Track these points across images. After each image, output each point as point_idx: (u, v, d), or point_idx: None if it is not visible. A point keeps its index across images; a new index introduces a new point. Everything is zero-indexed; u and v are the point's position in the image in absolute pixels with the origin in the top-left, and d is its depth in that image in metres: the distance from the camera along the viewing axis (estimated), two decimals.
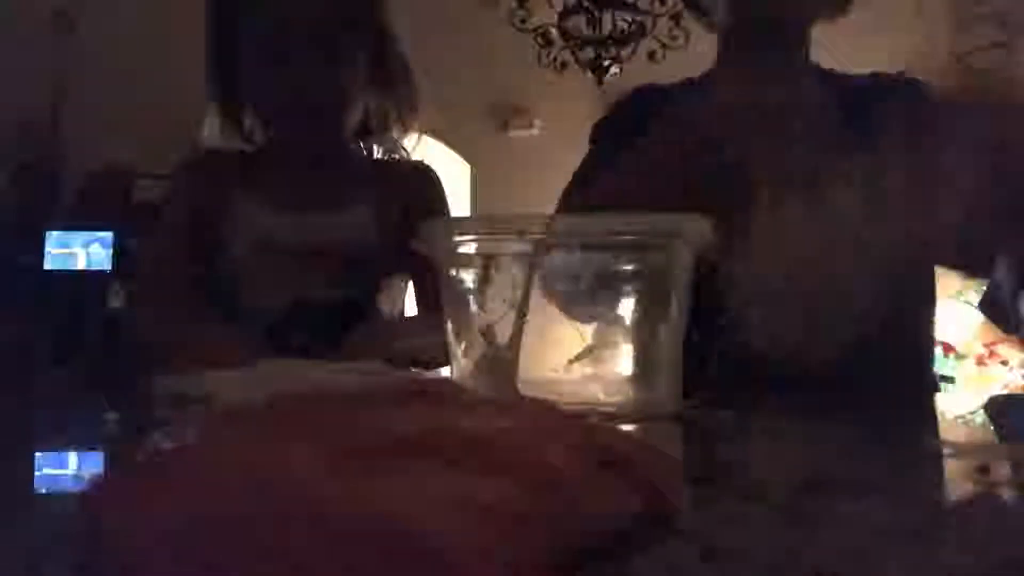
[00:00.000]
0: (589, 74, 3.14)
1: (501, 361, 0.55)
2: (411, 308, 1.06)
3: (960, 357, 3.50)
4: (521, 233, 0.56)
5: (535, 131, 3.94)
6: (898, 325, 0.83)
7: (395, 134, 1.02)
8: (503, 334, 0.55)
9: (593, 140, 0.98)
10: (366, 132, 1.01)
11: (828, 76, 0.91)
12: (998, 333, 3.51)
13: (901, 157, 0.82)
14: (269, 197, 0.96)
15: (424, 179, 1.03)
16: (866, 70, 0.93)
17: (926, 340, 0.89)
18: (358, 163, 1.03)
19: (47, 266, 3.28)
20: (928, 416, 0.69)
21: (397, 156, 1.04)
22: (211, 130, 1.00)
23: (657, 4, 2.99)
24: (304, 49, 0.89)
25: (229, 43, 0.93)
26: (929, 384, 0.88)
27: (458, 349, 0.61)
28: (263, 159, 0.99)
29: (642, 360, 0.60)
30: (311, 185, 0.96)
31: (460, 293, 0.61)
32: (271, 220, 0.94)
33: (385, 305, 0.99)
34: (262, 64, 0.90)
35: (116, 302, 3.04)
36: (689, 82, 0.97)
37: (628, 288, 0.60)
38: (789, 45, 0.89)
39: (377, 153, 1.04)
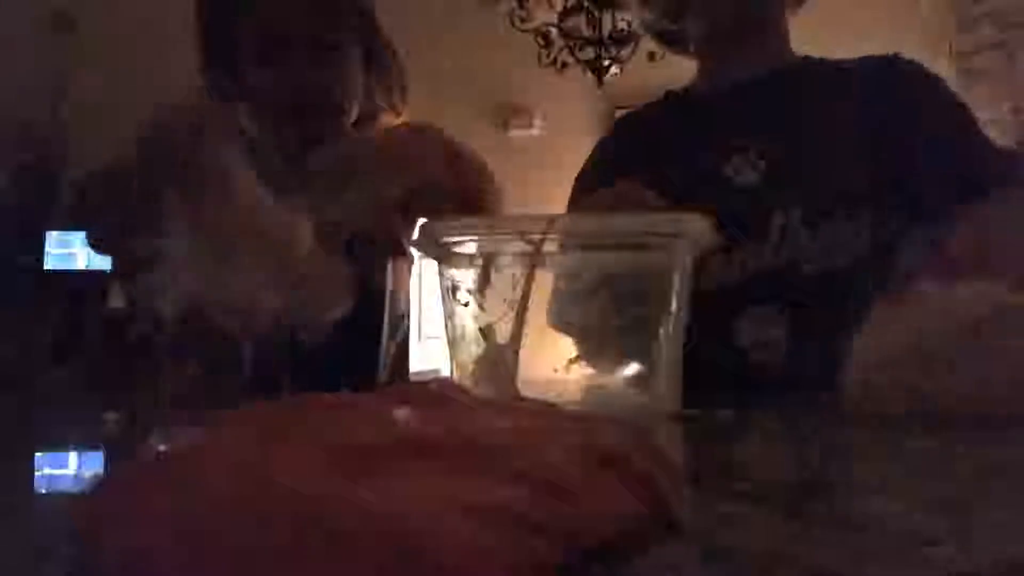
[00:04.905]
0: (589, 74, 3.14)
1: (501, 361, 0.55)
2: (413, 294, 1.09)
3: None
4: (521, 233, 0.56)
5: (535, 131, 3.94)
6: None
7: (388, 121, 1.04)
8: (503, 334, 0.55)
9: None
10: (361, 122, 1.03)
11: (811, 64, 0.91)
12: None
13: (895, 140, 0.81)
14: (271, 179, 0.98)
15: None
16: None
17: None
18: (355, 153, 1.05)
19: (47, 266, 3.29)
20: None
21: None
22: None
23: None
24: (301, 51, 0.91)
25: (223, 48, 0.95)
26: None
27: (458, 349, 0.61)
28: (265, 152, 1.01)
29: (642, 360, 0.60)
30: (313, 171, 0.98)
31: (460, 293, 0.61)
32: (274, 199, 0.96)
33: (391, 281, 1.00)
34: (261, 68, 0.93)
35: (116, 302, 3.04)
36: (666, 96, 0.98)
37: (628, 288, 0.60)
38: (765, 42, 0.89)
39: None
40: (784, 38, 0.92)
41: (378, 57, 1.00)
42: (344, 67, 0.95)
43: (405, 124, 1.06)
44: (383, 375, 1.00)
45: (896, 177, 0.79)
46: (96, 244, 0.81)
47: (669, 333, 0.59)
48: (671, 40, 0.98)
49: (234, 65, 0.95)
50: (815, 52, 0.92)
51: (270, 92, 0.93)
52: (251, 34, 0.92)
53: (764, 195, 0.82)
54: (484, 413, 0.33)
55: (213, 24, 0.96)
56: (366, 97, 1.01)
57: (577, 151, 1.01)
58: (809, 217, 0.80)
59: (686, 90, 0.97)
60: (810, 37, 0.99)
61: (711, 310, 0.76)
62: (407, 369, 1.10)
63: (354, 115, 0.99)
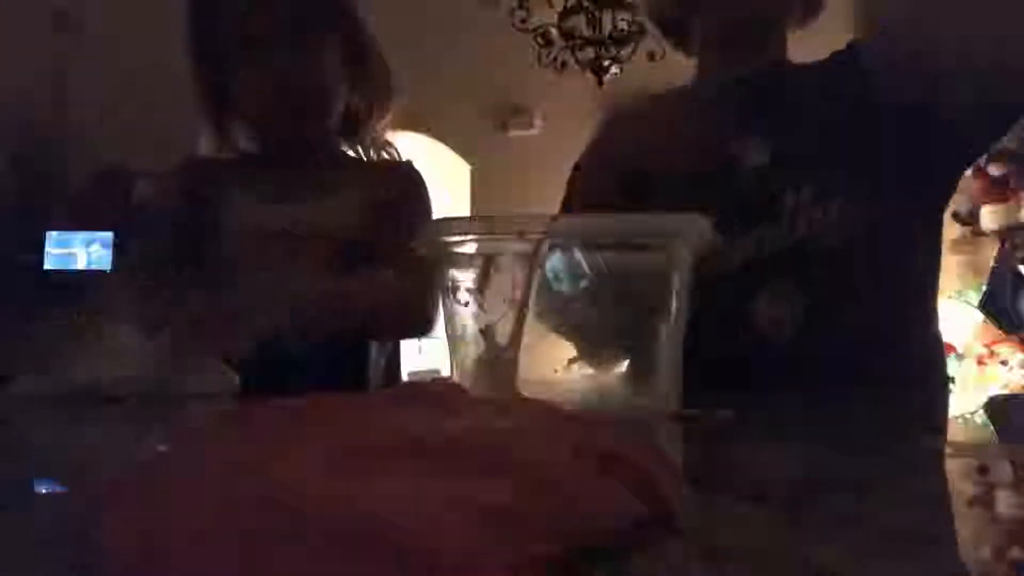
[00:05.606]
0: (589, 74, 3.14)
1: (501, 361, 0.55)
2: None
3: (960, 357, 3.50)
4: (521, 233, 0.56)
5: (535, 131, 3.95)
6: (899, 321, 0.83)
7: (375, 123, 1.05)
8: (503, 334, 0.55)
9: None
10: (348, 124, 1.04)
11: (804, 66, 0.91)
12: (998, 333, 3.52)
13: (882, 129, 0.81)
14: (261, 191, 0.99)
15: (408, 178, 1.06)
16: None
17: (930, 336, 0.89)
18: (345, 158, 1.06)
19: (47, 266, 3.29)
20: (936, 415, 0.69)
21: (384, 155, 1.07)
22: (206, 143, 1.05)
23: None
24: (283, 52, 0.92)
25: (211, 54, 0.96)
26: (938, 382, 0.88)
27: (457, 349, 0.61)
28: (254, 159, 1.03)
29: (642, 360, 0.60)
30: (301, 179, 0.99)
31: (460, 293, 0.61)
32: (264, 211, 0.97)
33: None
34: (244, 70, 0.94)
35: None
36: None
37: (628, 288, 0.60)
38: (766, 47, 0.89)
39: (366, 151, 1.07)
40: (784, 41, 0.92)
41: (364, 59, 1.01)
42: (325, 67, 0.95)
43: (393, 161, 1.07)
44: (376, 380, 1.00)
45: (897, 156, 0.80)
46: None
47: (669, 333, 0.59)
48: (674, 33, 0.98)
49: (222, 80, 0.96)
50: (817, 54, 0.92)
51: (255, 97, 0.94)
52: (233, 40, 0.93)
53: (771, 177, 0.82)
54: (484, 413, 0.33)
55: (200, 39, 0.97)
56: (359, 99, 1.02)
57: (577, 151, 1.01)
58: (817, 197, 0.80)
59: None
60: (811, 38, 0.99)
61: (725, 291, 0.76)
62: (398, 374, 1.10)
63: (337, 115, 1.00)
